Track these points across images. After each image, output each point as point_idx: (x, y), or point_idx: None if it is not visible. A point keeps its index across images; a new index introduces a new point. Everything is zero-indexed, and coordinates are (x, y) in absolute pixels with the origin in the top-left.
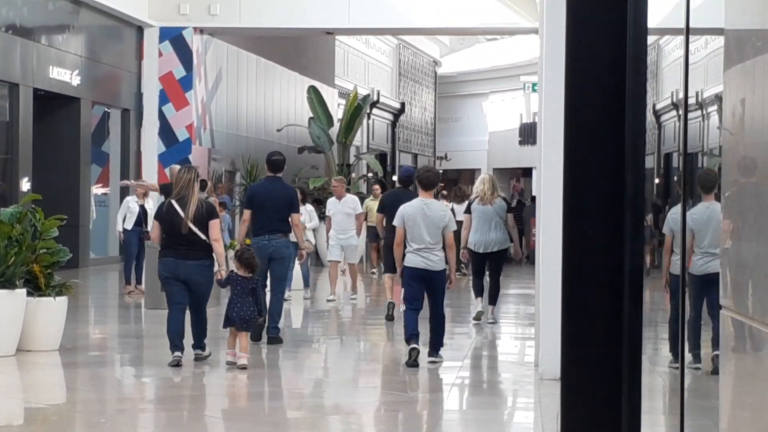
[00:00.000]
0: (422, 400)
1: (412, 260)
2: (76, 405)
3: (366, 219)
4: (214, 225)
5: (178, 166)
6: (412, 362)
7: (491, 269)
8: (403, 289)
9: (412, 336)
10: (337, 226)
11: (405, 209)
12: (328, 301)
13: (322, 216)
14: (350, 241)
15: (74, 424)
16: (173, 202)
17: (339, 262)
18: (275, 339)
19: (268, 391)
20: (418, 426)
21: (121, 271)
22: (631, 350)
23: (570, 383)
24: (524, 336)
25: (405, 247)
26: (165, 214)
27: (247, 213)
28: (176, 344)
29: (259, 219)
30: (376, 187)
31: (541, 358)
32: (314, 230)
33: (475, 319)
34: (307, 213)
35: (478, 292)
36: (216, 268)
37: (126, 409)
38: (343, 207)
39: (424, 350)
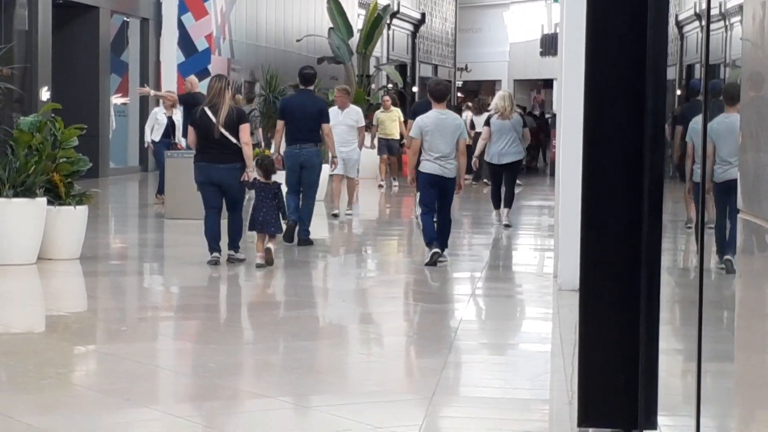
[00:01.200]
0: (440, 310)
1: (430, 167)
2: (97, 313)
3: (377, 130)
4: (244, 129)
5: (195, 78)
6: (432, 263)
7: (506, 179)
8: (418, 194)
9: (432, 240)
10: (338, 137)
11: (423, 120)
12: (333, 215)
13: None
14: (351, 155)
15: (95, 332)
16: (206, 108)
17: (342, 176)
18: (306, 241)
19: (285, 300)
20: (435, 335)
21: (142, 181)
22: (649, 261)
23: (588, 294)
24: (543, 247)
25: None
26: (199, 120)
27: (280, 124)
28: (213, 246)
29: (291, 129)
30: (387, 98)
31: (560, 269)
32: None
33: (499, 222)
34: None
35: (497, 203)
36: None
37: (147, 317)
38: (346, 118)
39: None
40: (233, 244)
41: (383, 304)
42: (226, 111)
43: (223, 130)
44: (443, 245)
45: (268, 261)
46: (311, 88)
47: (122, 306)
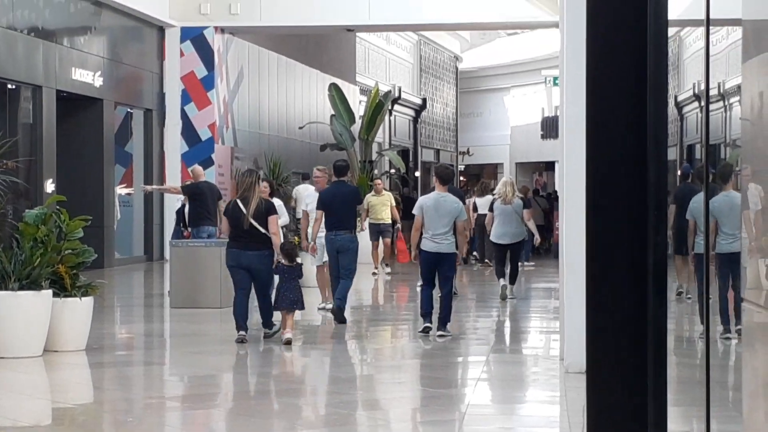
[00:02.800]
0: (447, 395)
1: (427, 245)
2: (103, 404)
3: (367, 215)
4: (273, 220)
5: (200, 167)
6: (423, 333)
7: (511, 257)
8: (420, 269)
9: (426, 314)
10: (317, 223)
11: (424, 201)
12: (320, 309)
13: None
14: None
15: (102, 424)
16: (238, 201)
17: (324, 265)
18: (341, 319)
19: (292, 388)
20: (443, 420)
21: (147, 271)
22: (656, 343)
23: (595, 376)
24: (549, 329)
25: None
26: (231, 211)
27: (318, 213)
28: (240, 324)
29: (329, 217)
30: (378, 182)
31: (566, 351)
32: (285, 227)
33: (501, 297)
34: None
35: (501, 275)
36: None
37: (153, 408)
38: None
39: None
40: (266, 324)
41: (390, 389)
42: (255, 203)
43: (252, 221)
44: (446, 319)
45: (288, 342)
46: (344, 178)
47: (128, 397)
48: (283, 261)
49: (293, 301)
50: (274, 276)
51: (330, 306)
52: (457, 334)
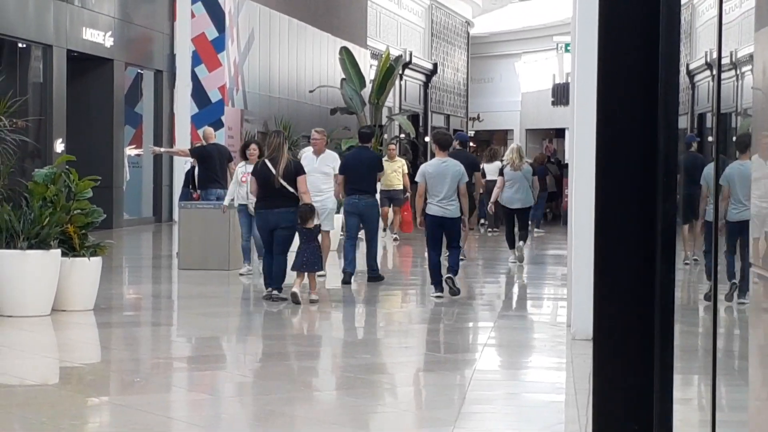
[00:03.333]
0: (454, 360)
1: (433, 209)
2: (110, 364)
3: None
4: (302, 180)
5: (211, 129)
6: (436, 297)
7: (519, 221)
8: (426, 234)
9: (437, 282)
10: (312, 186)
11: (426, 168)
12: (319, 276)
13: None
14: (326, 204)
15: (109, 383)
16: (266, 161)
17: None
18: (376, 278)
19: (299, 351)
20: (449, 385)
21: (156, 232)
22: (663, 310)
23: (602, 343)
24: (557, 296)
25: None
26: (260, 172)
27: (340, 178)
28: (268, 282)
29: (351, 182)
30: (392, 147)
31: (573, 318)
32: None
33: (519, 260)
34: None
35: (511, 244)
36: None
37: (160, 368)
38: (321, 165)
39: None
40: (277, 284)
41: (396, 354)
42: (284, 163)
43: (282, 181)
44: (454, 269)
45: (312, 300)
46: (368, 144)
47: (136, 357)
48: (299, 223)
49: (313, 262)
50: (294, 235)
51: (324, 273)
52: (465, 298)
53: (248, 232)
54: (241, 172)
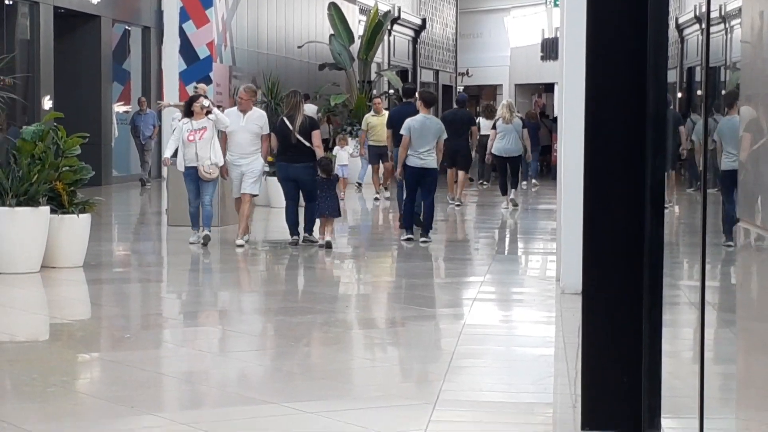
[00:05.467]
0: (442, 315)
1: (413, 161)
2: (101, 320)
3: (366, 136)
4: (316, 134)
5: (203, 85)
6: (406, 242)
7: (511, 169)
8: (404, 181)
9: (408, 226)
10: (237, 147)
11: (411, 122)
12: (238, 246)
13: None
14: (254, 166)
15: (99, 339)
16: (284, 119)
17: (246, 195)
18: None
19: (288, 306)
20: (438, 339)
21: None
22: (651, 265)
23: (591, 297)
24: (546, 251)
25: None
26: (279, 128)
27: (389, 132)
28: (293, 230)
29: (398, 136)
30: (378, 101)
31: (562, 272)
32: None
33: (513, 205)
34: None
35: (504, 191)
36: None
37: (151, 324)
38: (249, 124)
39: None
40: (308, 229)
41: (386, 309)
42: (300, 120)
43: (299, 137)
44: (428, 227)
45: (329, 245)
46: (411, 100)
47: (126, 313)
48: (320, 174)
49: (334, 208)
50: (316, 185)
51: (241, 241)
52: (453, 255)
53: (196, 197)
54: (187, 130)
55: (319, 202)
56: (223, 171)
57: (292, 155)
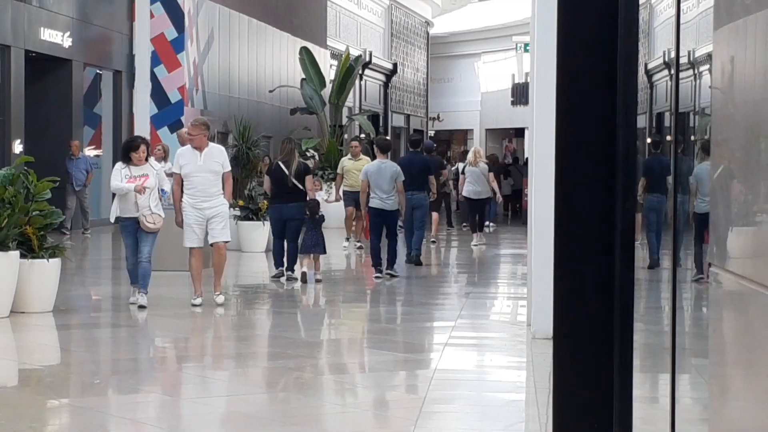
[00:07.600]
0: (414, 360)
1: (375, 203)
2: (70, 366)
3: (341, 180)
4: (309, 179)
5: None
6: (376, 278)
7: (478, 211)
8: (369, 224)
9: (377, 264)
10: (197, 190)
11: (368, 168)
12: (194, 305)
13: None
14: (220, 210)
15: (69, 385)
16: (280, 163)
17: (201, 247)
18: (418, 262)
19: (261, 351)
20: (410, 385)
21: (115, 233)
22: (622, 309)
23: (562, 342)
24: (517, 296)
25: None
26: (274, 173)
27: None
28: (278, 263)
29: (406, 180)
30: (355, 144)
31: (533, 317)
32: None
33: (477, 243)
34: (155, 172)
35: (473, 229)
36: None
37: (120, 369)
38: (208, 162)
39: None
40: (290, 267)
41: (358, 354)
42: (295, 166)
43: (294, 180)
44: (392, 261)
45: (303, 277)
46: (419, 149)
47: (95, 359)
48: (307, 214)
49: (320, 246)
50: (302, 225)
51: (197, 302)
52: (425, 300)
53: (134, 253)
54: (125, 176)
55: (306, 240)
56: (178, 219)
57: (287, 197)
